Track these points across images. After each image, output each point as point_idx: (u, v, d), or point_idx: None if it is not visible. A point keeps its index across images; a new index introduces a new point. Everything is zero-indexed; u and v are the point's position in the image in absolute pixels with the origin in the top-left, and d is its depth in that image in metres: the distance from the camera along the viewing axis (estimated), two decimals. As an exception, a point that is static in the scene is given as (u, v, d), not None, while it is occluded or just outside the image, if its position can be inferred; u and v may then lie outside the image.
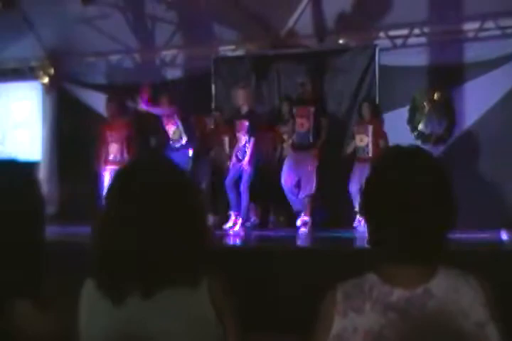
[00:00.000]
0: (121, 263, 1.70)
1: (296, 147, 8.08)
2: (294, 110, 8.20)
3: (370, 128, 8.24)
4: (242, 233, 7.91)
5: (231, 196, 8.09)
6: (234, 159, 8.14)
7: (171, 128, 8.55)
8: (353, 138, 8.38)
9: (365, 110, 8.38)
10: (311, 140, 8.03)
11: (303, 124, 8.07)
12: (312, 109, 8.07)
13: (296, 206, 8.07)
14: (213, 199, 8.49)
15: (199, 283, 1.71)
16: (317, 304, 1.64)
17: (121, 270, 1.70)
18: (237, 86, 8.43)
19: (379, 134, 8.21)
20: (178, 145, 8.47)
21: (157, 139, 9.33)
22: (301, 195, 7.96)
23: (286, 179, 7.98)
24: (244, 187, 7.97)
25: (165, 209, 1.71)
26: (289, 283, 5.07)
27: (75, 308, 1.77)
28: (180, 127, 8.50)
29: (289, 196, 8.01)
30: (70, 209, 9.45)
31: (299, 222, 7.94)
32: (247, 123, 8.02)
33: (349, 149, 8.40)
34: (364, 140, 8.23)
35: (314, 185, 7.90)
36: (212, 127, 9.20)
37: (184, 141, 8.47)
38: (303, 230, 7.89)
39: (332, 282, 1.64)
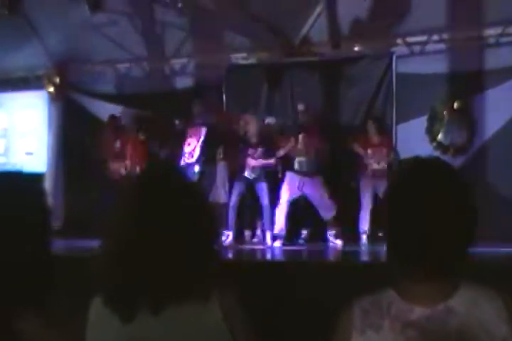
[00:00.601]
0: (130, 278, 1.70)
1: (300, 174, 8.15)
2: (300, 138, 8.22)
3: (385, 151, 8.28)
4: (270, 246, 7.99)
5: (234, 216, 8.25)
6: (243, 180, 8.26)
7: (191, 141, 8.60)
8: (366, 160, 8.30)
9: (371, 127, 8.43)
10: (316, 168, 8.17)
11: (308, 153, 8.17)
12: (317, 137, 8.19)
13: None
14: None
15: (210, 298, 1.71)
16: (333, 320, 1.64)
17: (130, 286, 1.70)
18: (246, 113, 8.59)
19: (391, 152, 8.29)
20: (188, 160, 8.51)
21: (168, 151, 9.37)
22: (325, 217, 8.09)
23: (284, 196, 8.07)
24: (266, 202, 8.07)
25: (177, 222, 1.72)
26: (306, 297, 5.09)
27: (83, 325, 1.77)
28: (201, 142, 8.53)
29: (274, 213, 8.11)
30: (76, 222, 9.47)
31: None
32: (260, 150, 8.21)
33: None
34: (381, 163, 8.24)
35: (334, 207, 8.05)
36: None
37: (195, 157, 8.50)
38: (332, 242, 8.05)
39: (348, 297, 1.64)
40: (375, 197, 7.90)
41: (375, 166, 8.25)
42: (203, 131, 8.55)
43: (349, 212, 8.29)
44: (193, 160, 8.48)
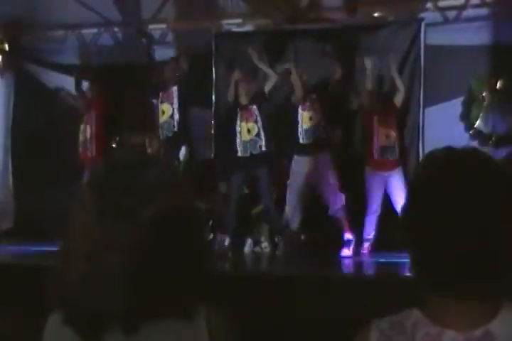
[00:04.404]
0: (96, 291, 1.70)
1: (303, 148, 8.26)
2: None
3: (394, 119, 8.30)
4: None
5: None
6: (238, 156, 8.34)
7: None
8: (371, 134, 8.32)
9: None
10: (323, 136, 8.30)
11: (311, 118, 8.32)
12: (313, 96, 8.40)
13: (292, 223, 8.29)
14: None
15: (195, 315, 1.72)
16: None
17: (96, 300, 1.70)
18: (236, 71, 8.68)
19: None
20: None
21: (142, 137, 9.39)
22: (331, 210, 8.13)
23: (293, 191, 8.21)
24: (265, 190, 8.19)
25: (155, 223, 1.72)
26: (312, 316, 5.13)
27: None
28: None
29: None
30: (30, 223, 9.47)
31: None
32: (255, 110, 8.28)
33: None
34: (391, 136, 8.21)
35: (342, 195, 8.11)
36: None
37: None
38: (347, 252, 8.08)
39: (365, 317, 1.64)
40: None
41: (382, 141, 8.22)
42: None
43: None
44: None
